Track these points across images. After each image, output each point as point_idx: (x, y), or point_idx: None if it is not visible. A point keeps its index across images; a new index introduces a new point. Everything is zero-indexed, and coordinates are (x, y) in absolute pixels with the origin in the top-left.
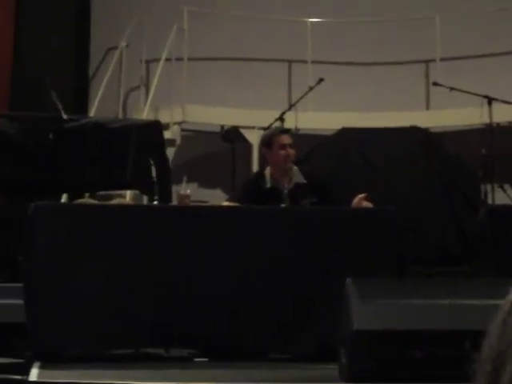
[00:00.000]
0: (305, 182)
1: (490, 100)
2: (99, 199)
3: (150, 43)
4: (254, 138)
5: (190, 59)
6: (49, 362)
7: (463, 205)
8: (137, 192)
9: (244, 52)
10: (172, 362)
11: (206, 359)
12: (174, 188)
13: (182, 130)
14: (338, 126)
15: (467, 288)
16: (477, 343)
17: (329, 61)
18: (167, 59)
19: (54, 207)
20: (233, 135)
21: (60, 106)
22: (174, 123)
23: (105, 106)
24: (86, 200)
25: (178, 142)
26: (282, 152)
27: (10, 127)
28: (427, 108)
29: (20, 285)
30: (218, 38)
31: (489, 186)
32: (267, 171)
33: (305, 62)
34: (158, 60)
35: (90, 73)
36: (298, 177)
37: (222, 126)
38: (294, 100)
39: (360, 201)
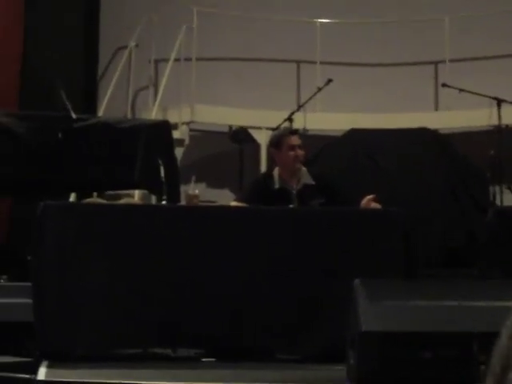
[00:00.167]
0: (313, 182)
1: (499, 101)
2: (107, 199)
3: (158, 43)
4: (262, 138)
5: (198, 59)
6: (56, 361)
7: (471, 206)
8: (145, 192)
9: (253, 52)
10: (179, 362)
11: (214, 359)
12: (183, 188)
13: (191, 130)
14: (347, 127)
15: (475, 289)
16: (485, 345)
17: (337, 62)
18: (176, 59)
19: (63, 206)
20: (241, 135)
21: (69, 106)
22: (183, 123)
23: (114, 105)
24: (95, 199)
25: (187, 142)
26: (291, 153)
27: (20, 126)
28: (436, 109)
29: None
30: (227, 39)
31: (497, 188)
32: (275, 172)
33: (314, 62)
34: (166, 60)
35: (99, 73)
36: (306, 178)
37: (231, 126)
38: (302, 101)
39: (368, 202)
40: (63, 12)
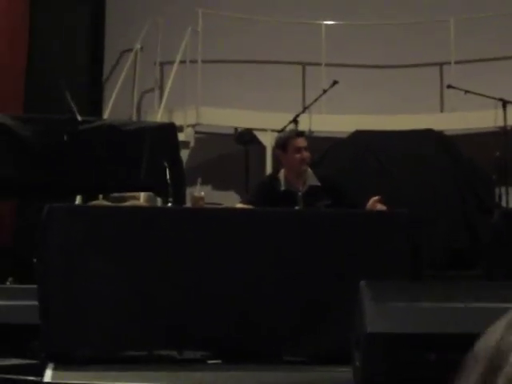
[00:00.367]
0: (319, 184)
1: (505, 103)
2: (113, 201)
3: (164, 45)
4: (267, 140)
5: (204, 61)
6: (62, 363)
7: (476, 207)
8: (151, 194)
9: (258, 54)
10: (185, 364)
11: (220, 361)
12: (188, 190)
13: (196, 132)
14: (352, 129)
15: (481, 291)
16: None
17: (343, 63)
18: (181, 61)
19: (68, 209)
20: (246, 137)
21: (75, 108)
22: (188, 125)
23: (119, 108)
24: (100, 202)
25: (192, 144)
26: (298, 155)
27: (25, 129)
28: (441, 111)
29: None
30: (232, 41)
31: (503, 189)
32: (281, 174)
33: (319, 64)
34: (172, 62)
35: (105, 75)
36: (312, 179)
37: (236, 128)
38: (307, 102)
39: (374, 203)
40: (69, 15)
